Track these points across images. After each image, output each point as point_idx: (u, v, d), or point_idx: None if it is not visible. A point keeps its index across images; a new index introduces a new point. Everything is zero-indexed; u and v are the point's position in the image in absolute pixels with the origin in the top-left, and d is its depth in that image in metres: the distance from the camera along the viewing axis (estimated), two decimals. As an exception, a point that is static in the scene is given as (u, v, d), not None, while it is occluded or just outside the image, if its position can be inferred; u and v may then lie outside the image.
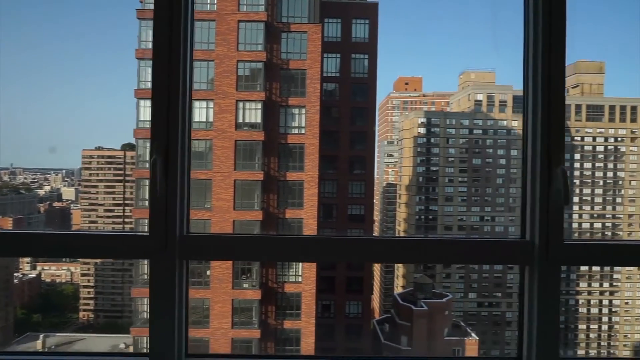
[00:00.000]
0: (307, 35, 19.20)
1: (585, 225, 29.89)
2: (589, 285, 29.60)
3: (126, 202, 23.49)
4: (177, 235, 1.96)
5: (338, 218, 23.97)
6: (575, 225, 29.94)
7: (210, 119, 18.66)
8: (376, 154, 27.42)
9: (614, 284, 29.52)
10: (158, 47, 1.94)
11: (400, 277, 29.99)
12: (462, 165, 29.48)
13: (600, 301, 29.31)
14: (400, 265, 30.42)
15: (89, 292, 24.30)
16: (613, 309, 29.16)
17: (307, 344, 19.56)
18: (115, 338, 21.12)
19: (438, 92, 32.21)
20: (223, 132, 18.64)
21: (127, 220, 23.23)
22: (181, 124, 1.94)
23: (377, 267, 32.03)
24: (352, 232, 23.86)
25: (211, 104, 18.62)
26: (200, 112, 18.52)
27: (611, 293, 29.37)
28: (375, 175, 28.91)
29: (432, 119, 29.82)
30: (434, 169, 29.73)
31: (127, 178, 23.38)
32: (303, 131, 19.87)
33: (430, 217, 29.69)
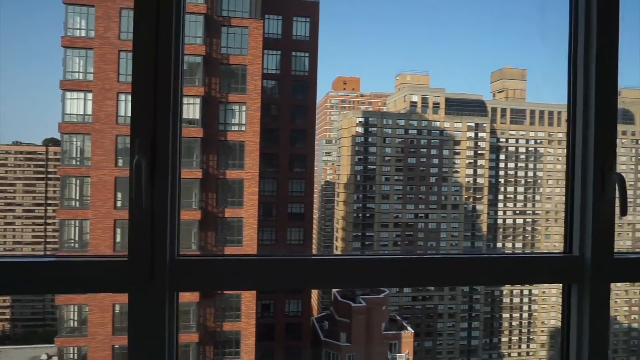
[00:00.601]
0: (248, 31, 18.77)
1: (509, 221, 32.00)
2: (512, 277, 31.66)
3: (48, 202, 21.68)
4: (167, 259, 1.54)
5: (278, 216, 23.74)
6: (500, 221, 31.96)
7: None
8: (315, 153, 27.52)
9: (534, 275, 31.80)
10: (143, 34, 1.59)
11: (338, 274, 30.31)
12: (398, 164, 30.40)
13: (521, 291, 31.53)
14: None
15: (4, 300, 22.19)
16: (532, 298, 31.49)
17: (247, 345, 19.20)
18: (36, 349, 19.46)
19: (375, 92, 32.98)
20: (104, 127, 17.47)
21: (49, 221, 21.45)
22: (172, 118, 1.58)
23: (315, 265, 32.17)
24: (292, 230, 23.78)
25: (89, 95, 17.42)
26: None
27: (530, 284, 31.68)
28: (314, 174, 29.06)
29: (370, 119, 30.47)
30: (371, 167, 30.40)
31: (49, 176, 21.57)
32: (243, 128, 19.41)
33: (368, 214, 30.34)
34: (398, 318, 26.72)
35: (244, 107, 19.24)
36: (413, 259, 1.84)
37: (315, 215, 31.78)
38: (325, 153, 32.87)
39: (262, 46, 19.71)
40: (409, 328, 26.05)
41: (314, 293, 31.17)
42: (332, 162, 32.55)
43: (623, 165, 30.69)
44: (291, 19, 22.42)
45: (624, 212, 1.82)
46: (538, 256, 2.00)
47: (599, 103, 1.88)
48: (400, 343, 25.01)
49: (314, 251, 31.04)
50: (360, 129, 30.22)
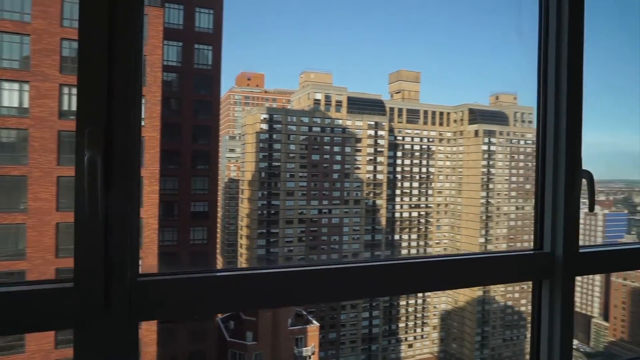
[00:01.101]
0: (148, 19, 17.56)
1: (405, 215, 34.11)
2: (408, 266, 33.89)
3: None
4: (128, 281, 1.28)
5: (180, 216, 22.71)
6: (397, 214, 33.92)
7: (25, 105, 15.68)
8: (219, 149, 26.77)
9: (427, 264, 34.38)
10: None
11: (243, 273, 29.89)
12: (302, 160, 30.76)
13: (417, 280, 33.77)
14: (243, 260, 30.40)
15: None
16: (426, 286, 33.91)
17: (149, 353, 18.10)
18: None
19: (279, 89, 32.96)
20: (42, 120, 15.85)
21: None
22: (131, 102, 1.32)
23: (219, 264, 31.44)
24: (195, 230, 22.89)
25: (26, 87, 15.66)
26: (12, 95, 15.43)
27: (424, 272, 34.14)
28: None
29: (274, 116, 30.39)
30: (276, 164, 30.39)
31: None
32: (143, 123, 18.16)
33: (273, 211, 30.30)
34: (304, 312, 27.13)
35: (143, 101, 18.00)
36: (374, 266, 1.75)
37: (219, 214, 31.00)
38: (229, 150, 32.13)
39: (162, 36, 18.61)
40: (314, 322, 26.59)
41: (219, 293, 30.43)
42: (236, 159, 31.94)
43: (499, 162, 34.34)
44: (193, 9, 21.44)
45: (592, 208, 1.91)
46: (510, 255, 1.98)
47: (570, 103, 1.93)
48: (306, 337, 25.45)
49: (218, 250, 30.28)
50: (264, 126, 30.02)
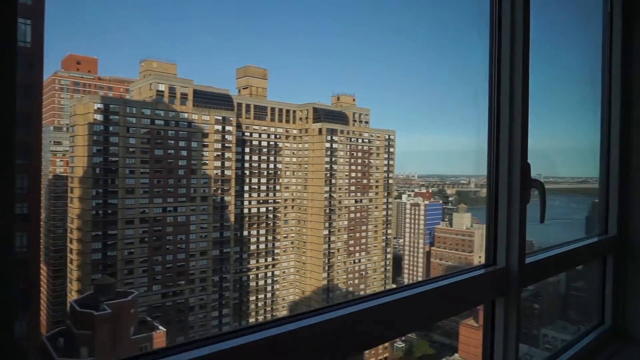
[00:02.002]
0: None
1: (254, 210, 34.33)
2: (257, 261, 34.27)
3: None
4: None
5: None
6: (246, 210, 33.94)
7: None
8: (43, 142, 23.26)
9: (275, 257, 35.23)
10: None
11: (75, 282, 26.57)
12: (143, 156, 28.59)
13: (266, 274, 34.41)
14: (74, 267, 27.01)
15: None
16: (274, 279, 34.76)
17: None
18: None
19: (116, 77, 29.93)
20: None
21: None
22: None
23: (43, 272, 27.38)
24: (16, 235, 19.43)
25: None
26: None
27: (273, 266, 34.93)
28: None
29: (111, 106, 27.58)
30: (113, 159, 27.67)
31: None
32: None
33: (110, 211, 27.52)
34: (149, 319, 25.32)
35: None
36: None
37: (42, 216, 26.96)
38: (54, 142, 28.10)
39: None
40: (160, 327, 25.02)
41: (43, 307, 26.49)
42: (64, 153, 28.10)
43: (341, 159, 36.92)
44: (6, -25, 18.10)
45: (542, 219, 1.91)
46: (470, 277, 1.80)
47: (523, 112, 1.92)
48: (152, 345, 23.80)
49: (42, 255, 26.35)
50: (99, 116, 27.04)
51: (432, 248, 38.18)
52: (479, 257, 35.70)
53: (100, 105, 27.06)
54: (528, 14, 1.95)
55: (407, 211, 39.83)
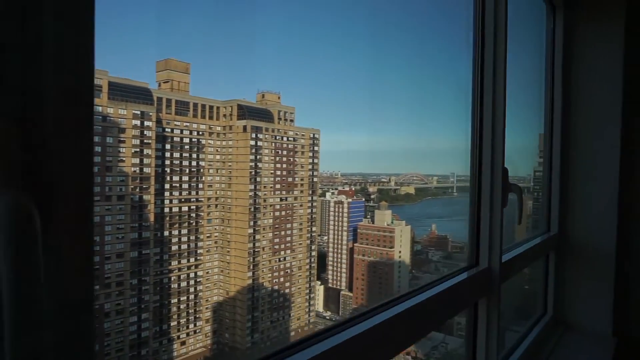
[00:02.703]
0: None
1: (175, 209, 32.96)
2: (179, 262, 32.95)
3: None
4: None
5: None
6: (167, 209, 32.47)
7: None
8: None
9: (198, 258, 34.13)
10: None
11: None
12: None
13: (188, 275, 33.19)
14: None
15: None
16: (197, 280, 33.65)
17: None
18: None
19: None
20: None
21: None
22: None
23: None
24: None
25: None
26: None
27: (196, 266, 33.79)
28: None
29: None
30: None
31: None
32: None
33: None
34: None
35: None
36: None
37: None
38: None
39: None
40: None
41: None
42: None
43: (266, 157, 36.64)
44: None
45: (520, 220, 2.00)
46: (461, 281, 1.78)
47: (503, 117, 1.99)
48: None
49: None
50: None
51: (355, 244, 39.19)
52: (399, 252, 37.31)
53: None
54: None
55: (331, 209, 40.47)
